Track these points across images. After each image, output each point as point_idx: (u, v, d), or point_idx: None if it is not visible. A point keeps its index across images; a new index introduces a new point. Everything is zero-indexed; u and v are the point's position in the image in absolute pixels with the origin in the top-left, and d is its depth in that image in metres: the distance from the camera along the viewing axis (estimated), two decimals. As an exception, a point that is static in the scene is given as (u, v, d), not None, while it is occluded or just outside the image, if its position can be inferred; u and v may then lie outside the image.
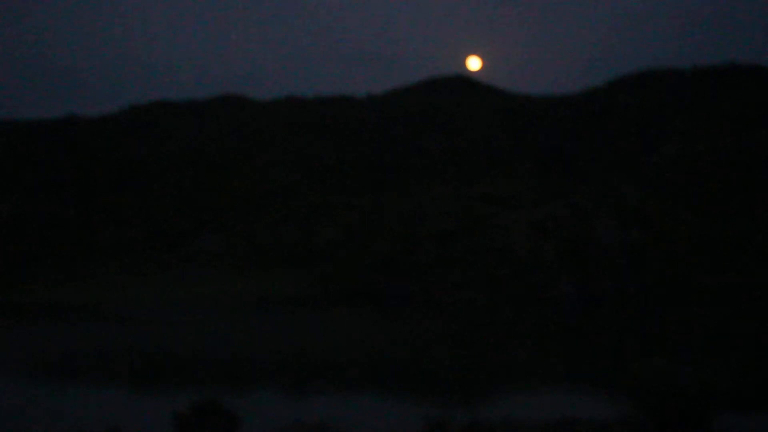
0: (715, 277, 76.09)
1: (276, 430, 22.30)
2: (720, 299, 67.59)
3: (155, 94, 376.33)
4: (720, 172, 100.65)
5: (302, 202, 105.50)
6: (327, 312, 67.02)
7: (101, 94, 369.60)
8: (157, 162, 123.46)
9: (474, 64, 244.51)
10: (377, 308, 69.25)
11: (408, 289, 77.91)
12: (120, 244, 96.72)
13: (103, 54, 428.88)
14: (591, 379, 33.91)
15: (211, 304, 72.62)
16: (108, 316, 64.92)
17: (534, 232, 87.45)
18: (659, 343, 43.96)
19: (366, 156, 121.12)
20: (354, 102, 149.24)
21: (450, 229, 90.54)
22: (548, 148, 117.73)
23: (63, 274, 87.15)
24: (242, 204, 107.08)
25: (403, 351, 43.84)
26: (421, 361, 40.40)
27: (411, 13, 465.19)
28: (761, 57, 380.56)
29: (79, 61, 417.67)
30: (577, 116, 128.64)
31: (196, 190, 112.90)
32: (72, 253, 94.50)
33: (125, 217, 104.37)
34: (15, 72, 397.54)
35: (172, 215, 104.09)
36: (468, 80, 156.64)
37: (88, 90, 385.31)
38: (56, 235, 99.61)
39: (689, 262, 79.61)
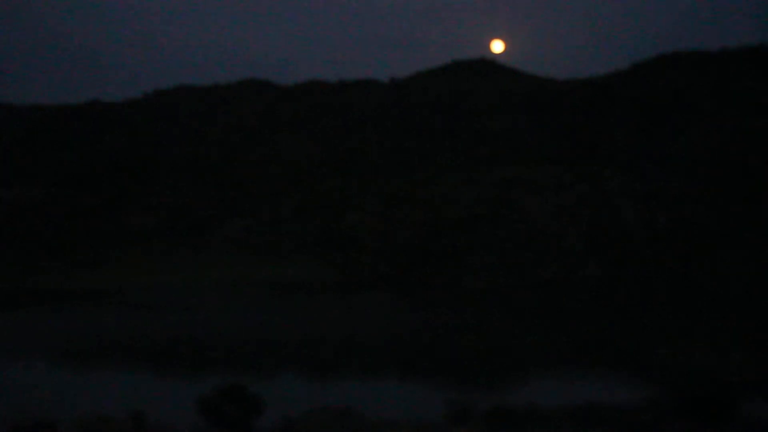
0: (743, 262, 75.46)
1: (299, 414, 22.29)
2: (748, 285, 67.00)
3: (178, 78, 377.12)
4: (748, 155, 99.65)
5: (326, 188, 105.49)
6: (351, 297, 67.02)
7: (125, 78, 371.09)
8: (180, 147, 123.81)
9: (497, 47, 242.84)
10: (401, 294, 69.19)
11: (432, 274, 77.78)
12: (144, 230, 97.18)
13: (127, 38, 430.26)
14: (616, 365, 33.71)
15: (236, 289, 72.81)
16: (132, 301, 65.21)
17: (559, 216, 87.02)
18: (685, 328, 43.65)
19: (390, 141, 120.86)
20: (377, 86, 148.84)
21: (474, 213, 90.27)
22: (573, 131, 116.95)
23: (87, 260, 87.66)
24: (266, 189, 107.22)
25: (427, 336, 43.77)
26: (445, 346, 40.32)
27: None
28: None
29: (102, 45, 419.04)
30: (602, 99, 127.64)
31: (220, 175, 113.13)
32: (95, 238, 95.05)
33: (149, 202, 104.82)
34: (38, 57, 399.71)
35: (196, 200, 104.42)
36: (492, 63, 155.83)
37: (111, 75, 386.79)
38: (80, 220, 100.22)
39: (715, 246, 78.99)
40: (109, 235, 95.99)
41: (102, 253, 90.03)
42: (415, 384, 31.25)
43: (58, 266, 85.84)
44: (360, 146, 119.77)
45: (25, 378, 33.22)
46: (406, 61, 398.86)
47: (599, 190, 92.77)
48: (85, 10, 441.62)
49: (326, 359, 37.37)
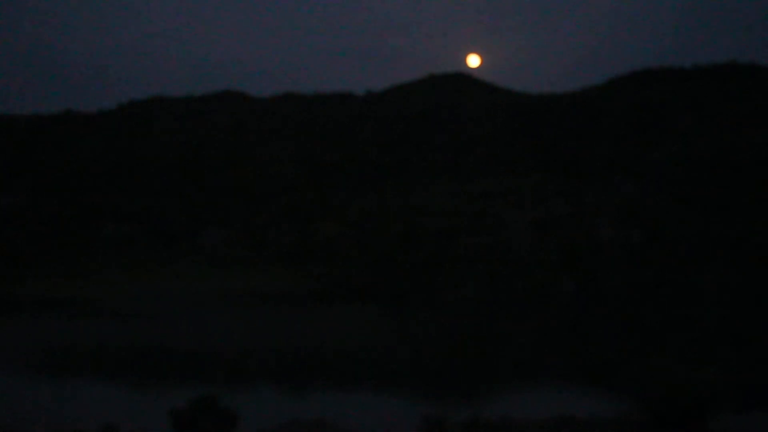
0: (714, 276, 76.03)
1: (274, 426, 22.22)
2: (719, 298, 67.52)
3: (153, 89, 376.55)
4: (720, 170, 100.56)
5: (302, 199, 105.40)
6: (326, 309, 66.89)
7: (99, 89, 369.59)
8: (155, 158, 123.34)
9: (474, 61, 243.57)
10: (377, 305, 69.13)
11: (408, 286, 77.80)
12: (118, 240, 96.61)
13: (101, 49, 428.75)
14: (590, 377, 33.84)
15: (210, 300, 72.51)
16: (107, 311, 64.77)
17: (535, 229, 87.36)
18: (658, 342, 43.89)
19: (366, 153, 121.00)
20: (353, 99, 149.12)
21: (450, 226, 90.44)
22: (549, 146, 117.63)
23: (62, 270, 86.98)
24: (242, 200, 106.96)
25: (403, 348, 43.76)
26: (421, 358, 40.32)
27: (411, 9, 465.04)
28: (761, 56, 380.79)
29: (76, 56, 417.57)
30: (578, 114, 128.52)
31: (196, 186, 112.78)
32: (71, 248, 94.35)
33: (124, 213, 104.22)
34: (12, 67, 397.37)
35: (171, 211, 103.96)
36: (468, 77, 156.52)
37: (85, 85, 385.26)
38: (55, 230, 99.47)
39: (689, 260, 79.53)
40: (86, 245, 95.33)
41: (78, 262, 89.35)
42: (390, 396, 31.22)
43: (32, 276, 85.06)
44: (336, 158, 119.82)
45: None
46: (382, 74, 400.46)
47: (575, 204, 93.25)
48: (61, 21, 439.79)
49: (301, 370, 37.27)
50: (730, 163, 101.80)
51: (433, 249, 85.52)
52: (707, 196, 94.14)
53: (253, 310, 67.10)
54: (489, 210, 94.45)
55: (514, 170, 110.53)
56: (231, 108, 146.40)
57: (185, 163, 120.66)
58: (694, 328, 50.70)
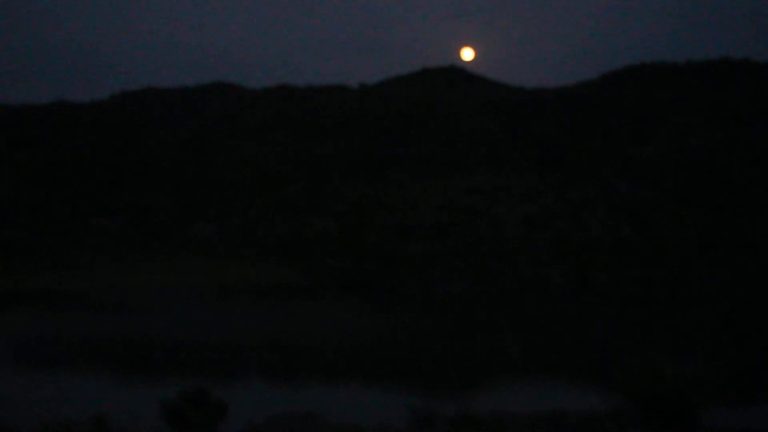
0: (705, 272, 76.20)
1: (263, 419, 22.16)
2: (711, 294, 67.69)
3: (146, 80, 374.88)
4: (712, 166, 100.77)
5: (294, 192, 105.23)
6: (317, 302, 66.87)
7: (92, 79, 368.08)
8: (147, 149, 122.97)
9: (467, 54, 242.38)
10: (368, 299, 69.12)
11: (399, 280, 77.81)
12: (110, 232, 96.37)
13: (94, 38, 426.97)
14: (581, 372, 33.87)
15: (202, 292, 72.39)
16: (97, 303, 64.59)
17: (526, 225, 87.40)
18: (650, 337, 43.97)
19: (358, 147, 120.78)
20: (346, 92, 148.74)
21: (441, 220, 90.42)
22: (541, 140, 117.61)
23: (51, 261, 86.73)
24: (234, 193, 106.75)
25: (393, 342, 43.75)
26: (411, 352, 40.30)
27: (404, 1, 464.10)
28: (754, 52, 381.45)
29: (69, 45, 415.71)
30: (570, 109, 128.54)
31: (188, 178, 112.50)
32: (61, 239, 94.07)
33: (116, 204, 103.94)
34: (3, 55, 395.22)
35: (163, 203, 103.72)
36: (461, 71, 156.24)
37: (78, 75, 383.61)
38: (45, 221, 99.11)
39: (680, 256, 79.70)
40: (75, 237, 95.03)
41: (67, 255, 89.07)
42: (379, 389, 31.22)
43: (21, 267, 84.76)
44: (328, 151, 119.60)
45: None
46: (375, 67, 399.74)
47: (566, 199, 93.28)
48: (53, 11, 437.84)
49: (291, 363, 37.23)
50: (723, 160, 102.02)
51: (424, 243, 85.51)
52: (699, 192, 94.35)
53: (245, 303, 67.02)
54: (480, 204, 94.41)
55: (506, 165, 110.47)
56: (224, 100, 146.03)
57: (177, 155, 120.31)
58: (686, 323, 50.82)
